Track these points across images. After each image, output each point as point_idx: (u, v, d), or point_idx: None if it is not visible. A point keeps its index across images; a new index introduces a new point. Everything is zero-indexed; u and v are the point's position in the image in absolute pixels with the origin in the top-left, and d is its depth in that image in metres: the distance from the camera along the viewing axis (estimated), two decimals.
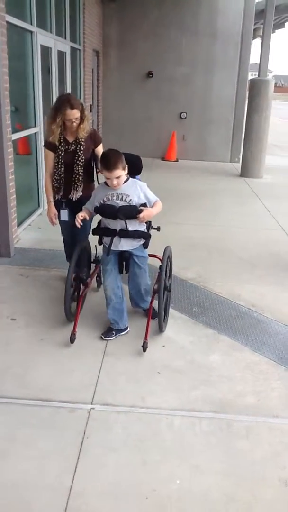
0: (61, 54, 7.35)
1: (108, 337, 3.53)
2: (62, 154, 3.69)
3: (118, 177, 3.16)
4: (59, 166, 3.72)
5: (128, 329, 3.61)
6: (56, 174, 3.75)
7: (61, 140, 3.67)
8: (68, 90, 7.75)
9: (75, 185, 3.78)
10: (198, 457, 2.47)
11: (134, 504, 2.19)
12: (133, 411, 2.79)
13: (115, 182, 3.16)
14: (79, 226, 3.36)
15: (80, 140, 3.70)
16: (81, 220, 3.37)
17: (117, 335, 3.55)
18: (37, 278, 4.47)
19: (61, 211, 3.88)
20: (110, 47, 11.22)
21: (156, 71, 11.20)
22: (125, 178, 3.26)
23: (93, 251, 3.95)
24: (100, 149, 3.82)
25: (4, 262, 4.80)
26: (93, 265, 4.06)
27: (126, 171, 3.22)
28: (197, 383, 3.07)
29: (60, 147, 3.68)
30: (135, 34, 11.00)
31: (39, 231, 5.79)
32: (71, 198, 3.81)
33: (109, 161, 3.12)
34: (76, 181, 3.76)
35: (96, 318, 3.76)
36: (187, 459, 2.46)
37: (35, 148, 6.44)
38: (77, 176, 3.75)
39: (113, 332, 3.56)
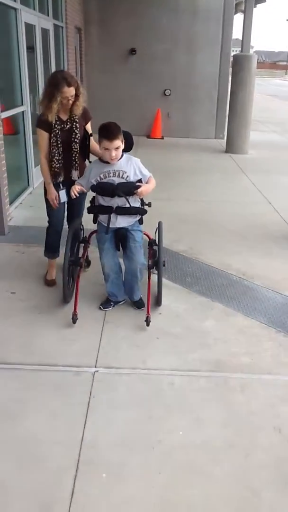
0: (44, 32, 7.31)
1: (107, 308, 3.66)
2: (59, 133, 3.59)
3: (117, 148, 3.18)
4: (58, 146, 3.61)
5: (126, 299, 3.74)
6: (56, 155, 3.63)
7: (56, 119, 3.58)
8: (53, 68, 7.73)
9: (75, 164, 3.72)
10: (198, 411, 2.65)
11: (142, 453, 2.36)
12: (135, 372, 2.95)
13: (113, 153, 3.17)
14: (74, 196, 3.39)
15: (74, 117, 3.63)
16: (77, 196, 3.40)
17: (114, 306, 3.69)
18: (32, 254, 4.57)
19: (60, 192, 3.77)
20: (92, 24, 11.13)
21: (139, 49, 11.16)
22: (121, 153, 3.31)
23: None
24: (89, 127, 3.80)
25: None
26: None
27: (123, 145, 3.26)
28: (194, 346, 3.24)
29: (55, 126, 3.57)
30: (116, 11, 10.91)
31: (31, 209, 5.86)
32: (71, 177, 3.72)
33: (110, 130, 3.14)
34: (76, 159, 3.70)
35: (92, 293, 3.86)
36: (188, 413, 2.64)
37: (22, 127, 6.46)
38: (76, 155, 3.69)
39: (112, 303, 3.69)
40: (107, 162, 3.28)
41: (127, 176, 3.29)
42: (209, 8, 10.84)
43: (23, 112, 6.30)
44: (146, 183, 3.38)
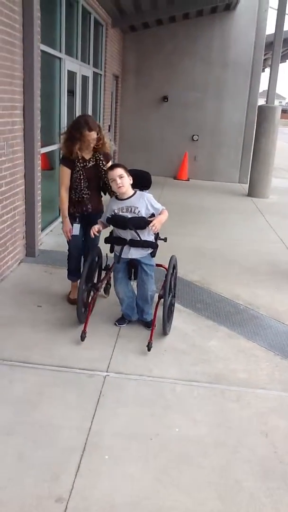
0: (84, 78, 8.06)
1: (121, 324, 4.05)
2: (81, 170, 3.91)
3: (121, 177, 3.52)
4: (81, 181, 3.94)
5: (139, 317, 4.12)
6: (78, 189, 3.97)
7: (79, 158, 3.90)
8: (90, 111, 8.45)
9: (95, 199, 4.07)
10: (195, 413, 2.98)
11: (141, 443, 2.70)
12: (142, 378, 3.31)
13: (118, 181, 3.51)
14: (93, 236, 3.74)
15: (98, 156, 3.95)
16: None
17: (128, 323, 4.07)
18: (58, 275, 5.03)
19: (74, 225, 4.07)
20: (129, 72, 12.01)
21: (171, 96, 11.94)
22: (132, 191, 3.65)
23: (104, 259, 4.32)
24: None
25: (30, 260, 5.40)
26: (103, 272, 4.35)
27: (130, 179, 3.62)
28: (197, 361, 3.59)
29: (78, 164, 3.91)
30: (151, 61, 11.78)
31: (60, 236, 6.34)
32: (90, 211, 4.06)
33: (112, 164, 3.63)
34: (97, 195, 4.07)
35: (110, 311, 4.25)
36: (186, 414, 2.97)
37: (57, 162, 7.07)
38: (91, 190, 4.02)
39: (126, 320, 4.08)
40: (122, 199, 3.64)
41: (139, 212, 3.59)
42: (239, 61, 11.58)
43: (59, 149, 6.92)
44: (159, 215, 3.66)
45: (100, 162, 4.00)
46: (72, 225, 4.11)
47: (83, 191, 4.01)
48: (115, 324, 4.05)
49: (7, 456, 2.54)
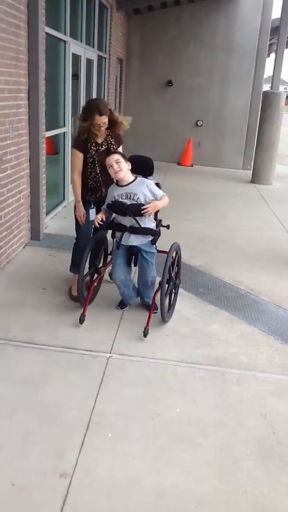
0: (89, 62, 8.02)
1: (122, 308, 4.10)
2: (95, 154, 3.89)
3: (117, 162, 3.54)
4: (95, 166, 3.91)
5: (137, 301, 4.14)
6: (92, 174, 3.95)
7: (92, 141, 3.90)
8: (94, 95, 8.41)
9: (108, 184, 3.92)
10: (195, 395, 3.05)
11: (143, 422, 2.77)
12: (144, 360, 3.38)
13: (115, 166, 3.52)
14: (97, 225, 3.75)
15: (110, 139, 3.94)
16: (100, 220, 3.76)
17: (128, 306, 4.12)
18: (63, 258, 5.07)
19: (90, 210, 4.03)
20: (133, 56, 11.91)
21: (175, 81, 11.85)
22: (132, 177, 3.64)
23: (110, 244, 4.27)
24: (120, 150, 4.02)
25: (35, 244, 5.45)
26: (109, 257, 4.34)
27: (128, 164, 3.62)
28: (198, 344, 3.65)
29: (91, 147, 3.89)
30: (156, 46, 11.67)
31: (64, 220, 6.42)
32: (104, 196, 3.94)
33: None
34: (108, 179, 3.92)
35: (115, 295, 4.31)
36: (187, 395, 3.04)
37: (62, 147, 7.09)
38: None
39: (126, 304, 4.12)
40: (122, 186, 3.64)
41: (138, 198, 3.58)
42: (244, 46, 11.47)
43: (64, 133, 6.94)
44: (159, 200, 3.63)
45: (112, 146, 3.96)
46: (88, 211, 4.05)
47: (97, 177, 3.97)
48: (117, 307, 4.11)
49: (13, 433, 2.61)
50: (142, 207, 3.56)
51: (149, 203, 3.59)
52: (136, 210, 3.58)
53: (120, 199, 3.63)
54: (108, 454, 2.52)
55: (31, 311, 3.95)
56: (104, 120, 3.81)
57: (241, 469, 2.49)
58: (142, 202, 3.60)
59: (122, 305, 4.13)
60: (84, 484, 2.33)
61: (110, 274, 4.48)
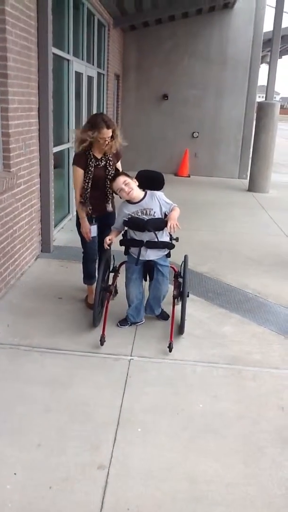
0: (89, 79, 8.27)
1: (123, 325, 4.03)
2: (92, 170, 3.88)
3: (125, 184, 3.56)
4: (90, 181, 3.90)
5: (143, 321, 4.14)
6: (87, 189, 3.93)
7: (91, 157, 3.90)
8: (95, 110, 8.66)
9: (108, 199, 4.03)
10: (216, 391, 3.23)
11: (169, 417, 2.95)
12: (164, 361, 3.56)
13: (126, 189, 3.54)
14: (106, 247, 3.78)
15: (108, 156, 3.97)
16: (108, 240, 3.76)
17: (131, 325, 4.07)
18: (74, 268, 5.24)
19: (92, 227, 4.05)
20: (129, 71, 12.22)
21: (171, 94, 12.16)
22: (143, 192, 3.66)
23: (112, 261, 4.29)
24: (119, 165, 4.14)
25: (46, 256, 5.64)
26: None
27: (135, 182, 3.65)
28: (214, 345, 3.84)
29: (90, 163, 3.89)
30: (151, 60, 12.00)
31: (71, 233, 6.56)
32: (107, 209, 4.05)
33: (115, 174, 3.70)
34: (109, 194, 4.00)
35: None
36: (208, 391, 3.22)
37: (66, 161, 7.30)
38: (109, 189, 3.97)
39: (128, 323, 4.05)
40: (134, 203, 3.65)
41: (154, 212, 3.63)
42: (237, 58, 11.81)
43: (68, 148, 7.15)
44: (171, 211, 3.65)
45: (109, 162, 3.98)
46: (90, 227, 4.08)
47: (87, 191, 3.95)
48: (117, 325, 4.03)
49: (48, 431, 2.78)
50: (163, 222, 3.59)
51: (166, 215, 3.63)
52: (158, 225, 3.62)
53: (137, 216, 3.68)
54: (140, 446, 2.69)
55: (50, 319, 4.12)
56: (109, 134, 3.86)
57: (265, 455, 2.67)
58: (160, 215, 3.66)
59: (123, 322, 4.06)
60: (121, 474, 2.49)
61: (115, 291, 4.33)
